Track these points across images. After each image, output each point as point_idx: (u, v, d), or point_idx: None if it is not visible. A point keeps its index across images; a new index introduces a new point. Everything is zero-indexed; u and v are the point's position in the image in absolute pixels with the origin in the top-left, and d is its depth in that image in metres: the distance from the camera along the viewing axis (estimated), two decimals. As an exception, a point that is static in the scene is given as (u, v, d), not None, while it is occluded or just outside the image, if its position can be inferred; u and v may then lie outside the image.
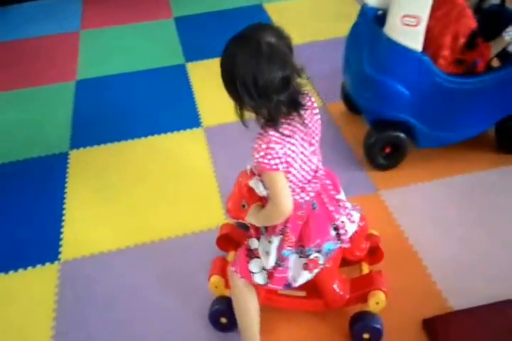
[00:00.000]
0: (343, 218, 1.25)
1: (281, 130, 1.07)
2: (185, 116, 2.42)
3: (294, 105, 1.08)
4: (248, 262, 1.27)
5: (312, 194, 1.20)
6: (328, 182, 1.24)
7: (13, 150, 2.29)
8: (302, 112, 1.10)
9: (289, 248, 1.22)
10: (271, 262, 1.23)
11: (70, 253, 1.79)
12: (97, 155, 2.23)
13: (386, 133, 1.90)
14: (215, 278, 1.42)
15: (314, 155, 1.18)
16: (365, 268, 1.50)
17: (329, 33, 2.89)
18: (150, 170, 2.13)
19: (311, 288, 1.37)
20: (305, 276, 1.24)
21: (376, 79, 1.80)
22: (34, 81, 2.76)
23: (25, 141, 2.35)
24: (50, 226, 1.90)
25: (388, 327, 1.45)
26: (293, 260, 1.23)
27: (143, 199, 1.99)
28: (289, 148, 1.09)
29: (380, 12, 1.86)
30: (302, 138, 1.13)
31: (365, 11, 1.90)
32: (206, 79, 2.57)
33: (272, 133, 1.07)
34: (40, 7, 3.57)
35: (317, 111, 1.17)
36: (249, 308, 1.32)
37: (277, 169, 1.08)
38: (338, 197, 1.27)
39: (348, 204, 1.29)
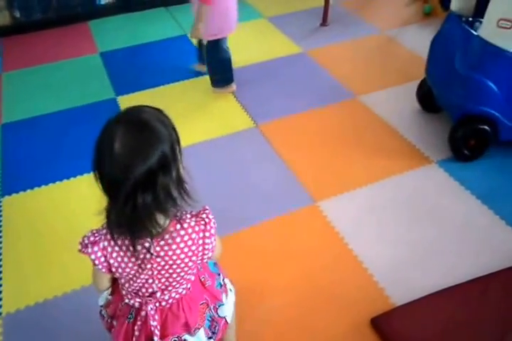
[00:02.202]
0: None
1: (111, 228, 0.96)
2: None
3: (127, 226, 0.92)
4: None
5: (137, 304, 1.07)
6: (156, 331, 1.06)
7: None
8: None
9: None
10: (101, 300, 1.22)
11: (12, 305, 1.68)
12: (32, 200, 2.12)
13: (472, 126, 2.08)
14: None
15: (149, 280, 1.02)
16: None
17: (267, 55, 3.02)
18: (88, 211, 2.04)
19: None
20: None
21: (470, 78, 1.98)
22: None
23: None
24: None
25: (340, 332, 1.51)
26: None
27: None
28: (109, 247, 1.00)
29: (463, 19, 2.08)
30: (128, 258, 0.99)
31: (452, 19, 2.13)
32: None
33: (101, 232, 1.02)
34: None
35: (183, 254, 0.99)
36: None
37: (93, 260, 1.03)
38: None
39: None
